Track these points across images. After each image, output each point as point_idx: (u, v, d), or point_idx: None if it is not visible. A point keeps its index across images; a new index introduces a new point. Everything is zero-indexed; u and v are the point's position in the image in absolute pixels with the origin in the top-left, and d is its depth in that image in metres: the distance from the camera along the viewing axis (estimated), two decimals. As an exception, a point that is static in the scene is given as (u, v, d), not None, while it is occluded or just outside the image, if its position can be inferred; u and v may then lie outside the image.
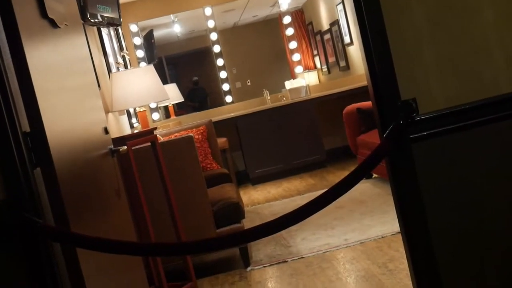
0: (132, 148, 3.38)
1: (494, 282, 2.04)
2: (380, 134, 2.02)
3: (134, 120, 5.92)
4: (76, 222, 2.01)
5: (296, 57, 8.67)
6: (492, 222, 2.03)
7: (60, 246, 1.90)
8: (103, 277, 2.29)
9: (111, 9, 4.53)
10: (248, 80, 10.08)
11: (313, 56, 10.11)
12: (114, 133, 4.28)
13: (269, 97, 7.95)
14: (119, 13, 4.78)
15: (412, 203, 1.99)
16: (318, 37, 9.74)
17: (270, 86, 8.41)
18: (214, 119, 6.66)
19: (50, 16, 2.22)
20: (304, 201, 2.02)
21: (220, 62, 8.47)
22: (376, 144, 2.00)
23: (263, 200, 6.38)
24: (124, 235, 2.74)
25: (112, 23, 4.59)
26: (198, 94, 10.39)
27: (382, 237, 4.06)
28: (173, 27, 9.63)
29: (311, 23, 9.97)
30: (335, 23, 8.60)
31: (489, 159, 2.01)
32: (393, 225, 4.19)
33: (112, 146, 2.86)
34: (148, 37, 8.18)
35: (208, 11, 8.29)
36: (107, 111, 4.13)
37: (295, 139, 7.35)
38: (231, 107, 8.13)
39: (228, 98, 8.48)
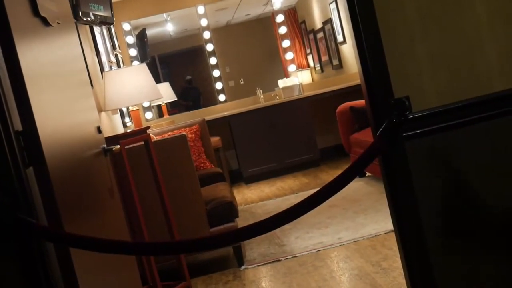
0: (125, 147, 3.38)
1: (488, 280, 2.05)
2: (374, 132, 2.02)
3: (127, 119, 5.91)
4: (69, 221, 2.00)
5: (289, 55, 8.67)
6: (486, 219, 2.03)
7: (53, 245, 1.90)
8: (96, 276, 2.28)
9: (103, 7, 4.51)
10: (241, 79, 10.08)
11: (306, 54, 10.12)
12: (107, 132, 4.27)
13: (262, 96, 7.94)
14: (111, 11, 4.77)
15: (406, 201, 1.99)
16: (311, 36, 9.74)
17: (263, 84, 8.41)
18: (207, 118, 6.66)
19: (42, 14, 2.21)
20: (297, 200, 2.01)
21: (213, 60, 8.45)
22: (369, 143, 2.00)
23: (256, 199, 6.38)
24: (118, 235, 2.73)
25: (104, 22, 4.57)
26: (192, 93, 10.38)
27: (376, 235, 4.07)
28: (166, 26, 9.62)
29: (304, 21, 9.98)
30: (328, 21, 8.61)
31: (482, 156, 2.01)
32: (386, 223, 4.20)
33: (105, 145, 2.85)
34: (141, 36, 8.16)
35: (201, 9, 8.27)
36: (100, 110, 4.12)
37: (289, 137, 7.34)
38: (224, 106, 8.12)
39: (221, 97, 8.47)
